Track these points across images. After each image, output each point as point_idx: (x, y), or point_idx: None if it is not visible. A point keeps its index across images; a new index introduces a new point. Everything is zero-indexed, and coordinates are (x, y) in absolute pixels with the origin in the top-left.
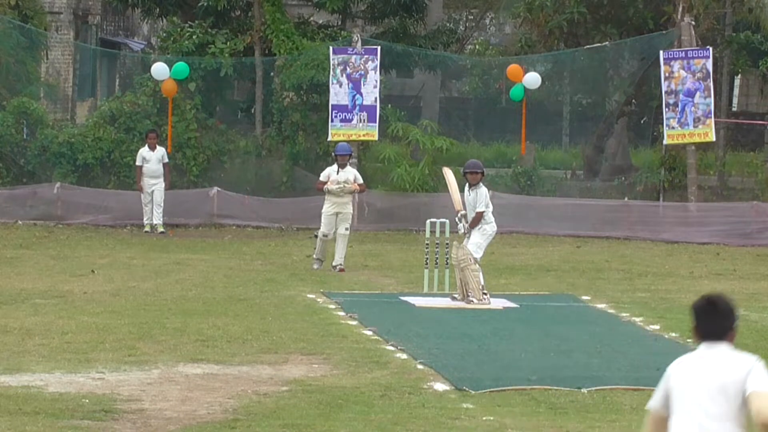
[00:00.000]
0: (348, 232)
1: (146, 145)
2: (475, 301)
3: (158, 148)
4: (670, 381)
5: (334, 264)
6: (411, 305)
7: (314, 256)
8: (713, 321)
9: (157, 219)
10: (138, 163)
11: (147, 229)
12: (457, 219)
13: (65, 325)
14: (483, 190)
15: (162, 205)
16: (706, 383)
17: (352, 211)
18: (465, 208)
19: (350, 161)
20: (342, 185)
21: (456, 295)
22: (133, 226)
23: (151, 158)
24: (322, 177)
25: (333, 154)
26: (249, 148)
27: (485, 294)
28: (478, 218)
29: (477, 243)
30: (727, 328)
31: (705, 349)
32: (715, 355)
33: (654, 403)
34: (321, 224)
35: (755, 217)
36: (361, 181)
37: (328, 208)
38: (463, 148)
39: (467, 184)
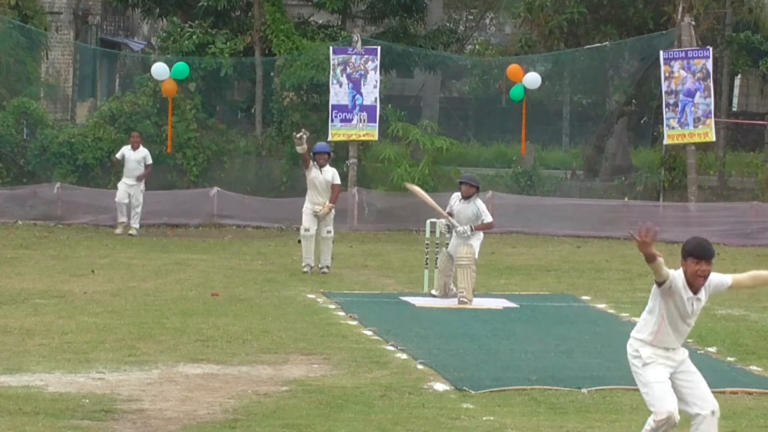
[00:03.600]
0: (331, 234)
1: (129, 144)
2: (467, 302)
3: (141, 149)
4: None
5: (320, 265)
6: (411, 305)
7: (303, 261)
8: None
9: (134, 222)
10: (117, 156)
11: (119, 231)
12: (446, 224)
13: (65, 325)
14: (481, 202)
15: (140, 208)
16: None
17: (333, 212)
18: (454, 216)
19: (351, 162)
20: (320, 207)
21: (435, 292)
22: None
23: (131, 158)
24: (307, 172)
25: (311, 153)
26: (249, 148)
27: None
28: (490, 226)
29: (477, 247)
30: None
31: None
32: None
33: None
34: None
35: (755, 217)
36: (338, 181)
37: (307, 206)
38: (463, 148)
39: (459, 194)
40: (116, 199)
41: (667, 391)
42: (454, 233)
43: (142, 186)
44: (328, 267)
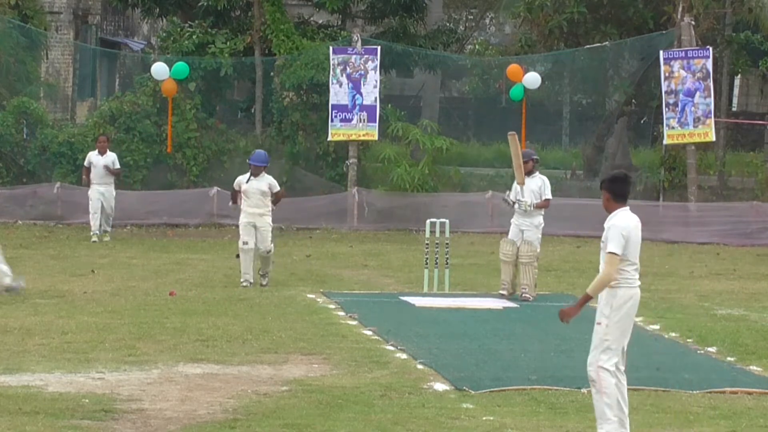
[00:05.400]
0: (270, 254)
1: (96, 149)
2: (530, 298)
3: (109, 153)
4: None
5: (261, 272)
6: (411, 305)
7: (241, 276)
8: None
9: (108, 227)
10: (85, 164)
11: (95, 239)
12: (510, 197)
13: (65, 325)
14: (545, 178)
15: (112, 213)
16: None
17: (270, 225)
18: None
19: (351, 162)
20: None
21: (503, 291)
22: (133, 226)
23: (98, 163)
24: (235, 185)
25: (248, 161)
26: (249, 148)
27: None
28: (546, 204)
29: (538, 239)
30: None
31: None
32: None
33: (622, 251)
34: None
35: (755, 217)
36: (276, 189)
37: (242, 217)
38: (463, 148)
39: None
40: (90, 209)
41: None
42: (516, 207)
43: (114, 191)
44: (266, 275)
